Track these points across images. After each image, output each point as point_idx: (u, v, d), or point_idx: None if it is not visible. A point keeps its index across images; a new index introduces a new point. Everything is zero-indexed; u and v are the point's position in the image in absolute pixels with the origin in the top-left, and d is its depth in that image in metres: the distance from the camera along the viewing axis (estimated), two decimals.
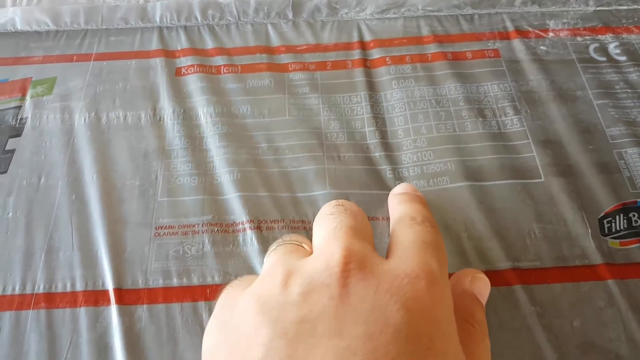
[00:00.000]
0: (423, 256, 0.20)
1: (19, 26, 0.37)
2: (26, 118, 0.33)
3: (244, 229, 0.28)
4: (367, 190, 0.29)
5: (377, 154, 0.30)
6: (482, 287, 0.23)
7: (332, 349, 0.16)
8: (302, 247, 0.22)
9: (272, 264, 0.21)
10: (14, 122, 0.32)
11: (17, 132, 0.32)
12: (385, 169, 0.30)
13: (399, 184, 0.29)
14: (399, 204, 0.25)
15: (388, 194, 0.28)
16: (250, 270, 0.27)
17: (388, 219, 0.28)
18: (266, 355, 0.16)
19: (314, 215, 0.26)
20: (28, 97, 0.34)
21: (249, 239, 0.27)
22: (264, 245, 0.27)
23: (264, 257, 0.24)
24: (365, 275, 0.18)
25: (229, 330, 0.19)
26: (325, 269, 0.18)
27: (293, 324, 0.17)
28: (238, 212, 0.28)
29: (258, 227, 0.28)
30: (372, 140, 0.31)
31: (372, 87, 0.33)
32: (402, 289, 0.18)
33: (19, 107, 0.33)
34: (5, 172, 0.30)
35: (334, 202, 0.23)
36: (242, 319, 0.18)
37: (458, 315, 0.20)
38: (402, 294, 0.17)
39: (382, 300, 0.17)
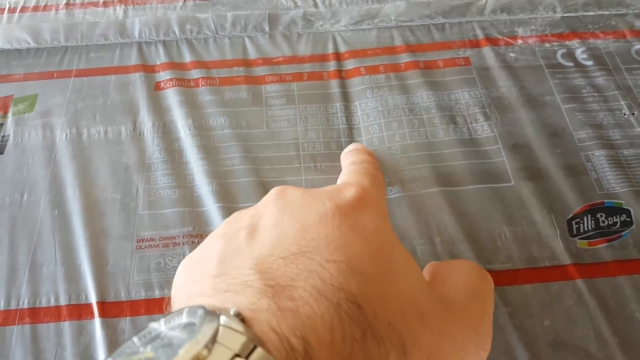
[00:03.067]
0: (355, 177, 0.24)
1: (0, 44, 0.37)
2: (8, 135, 0.33)
3: None
4: None
5: None
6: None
7: (271, 236, 0.18)
8: None
9: None
10: None
11: None
12: None
13: None
14: (347, 158, 0.28)
15: None
16: None
17: None
18: (218, 256, 0.19)
19: None
20: (10, 114, 0.34)
21: None
22: None
23: None
24: (298, 188, 0.22)
25: (193, 257, 0.21)
26: (267, 196, 0.22)
27: (241, 229, 0.19)
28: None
29: None
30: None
31: (347, 98, 0.34)
32: (328, 192, 0.21)
33: (1, 125, 0.34)
34: None
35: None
36: (204, 244, 0.21)
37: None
38: (329, 195, 0.20)
39: (310, 198, 0.20)
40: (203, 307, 0.15)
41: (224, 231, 0.20)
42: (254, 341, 0.14)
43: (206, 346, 0.13)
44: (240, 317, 0.15)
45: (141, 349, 0.15)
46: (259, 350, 0.13)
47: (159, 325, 0.15)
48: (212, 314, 0.14)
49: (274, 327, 0.15)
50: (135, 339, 0.15)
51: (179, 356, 0.13)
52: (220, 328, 0.14)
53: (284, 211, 0.20)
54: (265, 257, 0.17)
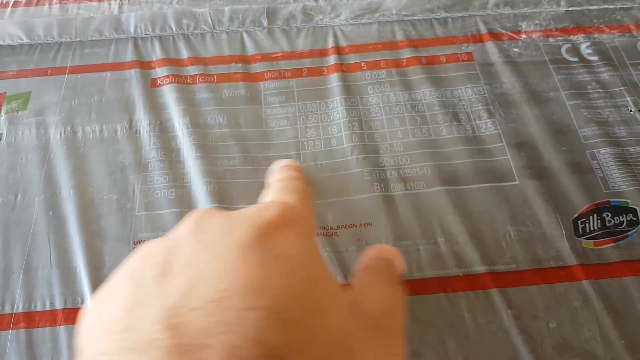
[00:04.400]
0: (281, 194, 0.22)
1: None
2: (1, 134, 0.32)
3: None
4: (344, 197, 0.29)
5: (355, 156, 0.30)
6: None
7: (185, 279, 0.16)
8: None
9: None
10: None
11: None
12: (363, 171, 0.30)
13: (377, 186, 0.29)
14: (273, 175, 0.26)
15: (366, 199, 0.28)
16: None
17: (367, 224, 0.28)
18: (125, 304, 0.16)
19: None
20: (2, 112, 0.33)
21: None
22: None
23: None
24: (218, 215, 0.19)
25: (100, 301, 0.18)
26: (184, 225, 0.19)
27: (152, 268, 0.17)
28: None
29: None
30: (349, 143, 0.31)
31: (348, 91, 0.33)
32: (250, 216, 0.19)
33: None
34: None
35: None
36: (112, 283, 0.18)
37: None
38: (250, 220, 0.18)
39: (230, 227, 0.18)
40: None
41: (133, 269, 0.18)
42: None
43: None
44: None
45: None
46: None
47: None
48: None
49: None
50: None
51: None
52: None
53: (201, 246, 0.17)
54: (178, 308, 0.15)
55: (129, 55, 0.36)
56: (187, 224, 0.19)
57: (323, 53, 0.35)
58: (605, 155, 0.30)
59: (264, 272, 0.16)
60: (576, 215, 0.28)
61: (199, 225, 0.19)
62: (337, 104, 0.33)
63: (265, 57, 0.35)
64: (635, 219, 0.28)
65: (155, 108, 0.33)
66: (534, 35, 0.35)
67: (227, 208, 0.29)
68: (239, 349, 0.14)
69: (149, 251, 0.18)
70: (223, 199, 0.29)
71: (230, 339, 0.14)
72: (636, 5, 0.37)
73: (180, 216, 0.29)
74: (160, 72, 0.34)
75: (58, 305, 0.26)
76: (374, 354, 0.18)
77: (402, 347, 0.20)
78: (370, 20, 0.37)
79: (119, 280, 0.18)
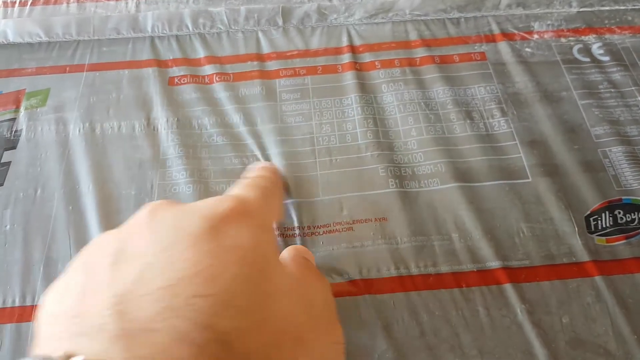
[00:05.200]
0: (239, 189, 0.22)
1: (11, 38, 0.37)
2: (21, 130, 0.33)
3: None
4: (359, 192, 0.29)
5: (369, 153, 0.31)
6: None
7: (135, 267, 0.16)
8: None
9: None
10: (8, 135, 0.33)
11: (12, 145, 0.32)
12: (378, 167, 0.30)
13: (392, 182, 0.29)
14: (244, 175, 0.26)
15: (381, 194, 0.29)
16: None
17: (382, 219, 0.28)
18: (77, 291, 0.17)
19: (308, 222, 0.27)
20: (22, 109, 0.34)
21: None
22: None
23: None
24: (171, 206, 0.20)
25: (57, 288, 0.19)
26: (137, 216, 0.20)
27: (105, 257, 0.17)
28: None
29: None
30: (364, 140, 0.31)
31: (362, 89, 0.34)
32: (202, 208, 0.19)
33: (14, 120, 0.33)
34: (2, 184, 0.31)
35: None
36: (68, 272, 0.19)
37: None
38: (202, 211, 0.19)
39: (181, 218, 0.18)
40: (43, 358, 0.14)
41: (87, 258, 0.18)
42: None
43: None
44: None
45: None
46: None
47: None
48: None
49: None
50: None
51: None
52: None
53: (153, 237, 0.18)
54: (126, 294, 0.16)
55: (146, 54, 0.36)
56: (140, 215, 0.19)
57: (337, 51, 0.36)
58: (616, 153, 0.30)
59: (214, 262, 0.17)
60: (588, 212, 0.28)
61: (151, 216, 0.19)
62: (351, 102, 0.33)
63: (281, 56, 0.36)
64: None
65: (173, 106, 0.33)
66: (545, 36, 0.36)
67: None
68: (186, 333, 0.14)
69: (102, 241, 0.19)
70: None
71: (178, 323, 0.15)
72: None
73: None
74: (177, 71, 0.35)
75: None
76: (320, 342, 0.19)
77: (342, 335, 0.21)
78: (383, 20, 0.37)
79: (74, 270, 0.18)
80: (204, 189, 0.30)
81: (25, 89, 0.35)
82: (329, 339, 0.20)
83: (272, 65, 0.35)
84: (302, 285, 0.21)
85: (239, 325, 0.15)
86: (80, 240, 0.28)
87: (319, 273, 0.23)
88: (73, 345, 0.15)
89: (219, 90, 0.34)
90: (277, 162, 0.31)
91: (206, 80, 0.35)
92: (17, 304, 0.27)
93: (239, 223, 0.19)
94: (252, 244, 0.18)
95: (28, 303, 0.27)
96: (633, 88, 0.33)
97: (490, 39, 0.36)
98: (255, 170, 0.26)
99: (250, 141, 0.32)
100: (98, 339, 0.15)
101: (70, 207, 0.30)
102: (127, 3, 0.39)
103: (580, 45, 0.35)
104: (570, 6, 0.37)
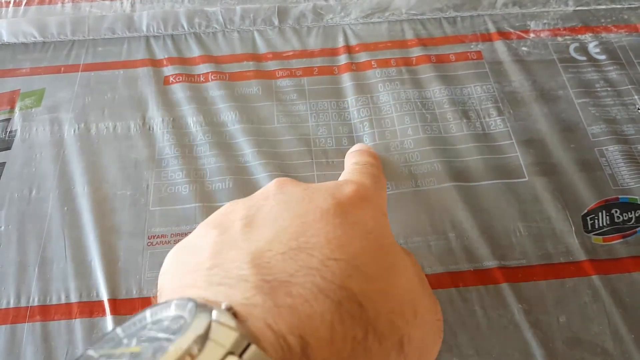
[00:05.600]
0: (356, 176, 0.24)
1: (6, 38, 0.37)
2: (15, 130, 0.33)
3: None
4: None
5: None
6: None
7: (269, 229, 0.18)
8: None
9: None
10: (3, 135, 0.33)
11: (6, 145, 0.32)
12: None
13: (388, 183, 0.29)
14: (350, 158, 0.27)
15: None
16: None
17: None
18: (212, 247, 0.18)
19: None
20: (17, 109, 0.34)
21: None
22: None
23: None
24: (299, 183, 0.21)
25: (184, 246, 0.21)
26: (266, 187, 0.22)
27: (237, 220, 0.19)
28: None
29: None
30: (360, 141, 0.31)
31: (359, 90, 0.34)
32: (329, 188, 0.21)
33: (8, 120, 0.33)
34: None
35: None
36: (196, 233, 0.20)
37: None
38: (330, 191, 0.20)
39: (311, 194, 0.20)
40: (194, 301, 0.14)
41: (219, 221, 0.20)
42: (248, 338, 0.13)
43: (197, 342, 0.13)
44: (233, 312, 0.14)
45: (125, 341, 0.14)
46: (253, 348, 0.13)
47: (145, 317, 0.15)
48: (203, 308, 0.14)
49: (269, 324, 0.14)
50: (119, 330, 0.15)
51: (169, 353, 0.12)
52: (212, 324, 0.13)
53: (283, 206, 0.19)
54: (262, 252, 0.17)
55: (141, 54, 0.36)
56: (269, 187, 0.21)
57: (334, 52, 0.36)
58: (613, 152, 0.30)
59: (343, 233, 0.18)
60: (585, 211, 0.28)
61: (280, 189, 0.21)
62: (347, 104, 0.33)
63: (277, 56, 0.35)
64: None
65: (168, 105, 0.33)
66: (542, 35, 0.36)
67: None
68: (326, 290, 0.16)
69: (232, 208, 0.20)
70: (237, 194, 0.29)
71: (315, 280, 0.16)
72: None
73: (194, 211, 0.29)
74: (172, 70, 0.35)
75: (73, 298, 0.27)
76: (428, 317, 0.20)
77: (441, 312, 0.22)
78: (380, 19, 0.37)
79: (205, 230, 0.20)
80: (199, 189, 0.30)
81: (20, 89, 0.35)
82: (433, 315, 0.20)
83: (269, 65, 0.35)
84: (415, 265, 0.22)
85: (368, 289, 0.16)
86: (76, 240, 0.28)
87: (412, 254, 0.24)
88: (210, 294, 0.16)
89: (214, 89, 0.34)
90: (273, 162, 0.31)
91: (201, 79, 0.34)
92: (11, 305, 0.27)
93: (361, 204, 0.20)
94: (374, 224, 0.19)
95: (23, 304, 0.27)
96: (629, 86, 0.33)
97: (487, 38, 0.36)
98: (359, 154, 0.27)
99: (245, 139, 0.32)
100: (239, 288, 0.15)
101: (66, 208, 0.29)
102: (122, 2, 0.39)
103: (576, 44, 0.35)
104: (567, 5, 0.37)
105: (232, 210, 0.20)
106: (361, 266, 0.17)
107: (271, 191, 0.21)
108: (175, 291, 0.17)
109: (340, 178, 0.25)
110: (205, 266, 0.17)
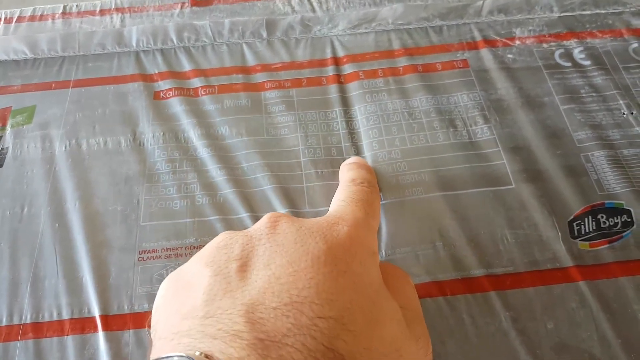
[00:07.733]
0: (350, 207, 0.24)
1: None
2: (7, 148, 0.33)
3: None
4: None
5: None
6: None
7: (262, 278, 0.18)
8: None
9: None
10: None
11: None
12: None
13: None
14: (346, 172, 0.28)
15: None
16: None
17: None
18: (206, 291, 0.18)
19: None
20: (8, 126, 0.34)
21: None
22: None
23: None
24: (292, 221, 0.21)
25: (177, 279, 0.21)
26: (260, 225, 0.22)
27: (232, 261, 0.19)
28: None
29: None
30: (349, 154, 0.32)
31: (346, 103, 0.34)
32: (322, 229, 0.21)
33: (0, 137, 0.33)
34: None
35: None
36: (190, 268, 0.21)
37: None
38: (322, 233, 0.21)
39: (304, 236, 0.20)
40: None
41: (213, 257, 0.20)
42: None
43: None
44: None
45: None
46: None
47: None
48: None
49: None
50: None
51: None
52: None
53: (276, 249, 0.20)
54: (256, 305, 0.17)
55: (132, 69, 0.36)
56: (263, 224, 0.21)
57: (322, 63, 0.36)
58: (599, 157, 0.31)
59: (333, 285, 0.18)
60: (571, 217, 0.29)
61: (273, 229, 0.21)
62: (336, 115, 0.33)
63: (266, 68, 0.36)
64: (629, 220, 0.28)
65: (159, 120, 0.34)
66: (527, 42, 0.36)
67: (230, 219, 0.29)
68: (314, 352, 0.16)
69: (227, 243, 0.21)
70: (227, 208, 0.30)
71: (305, 341, 0.16)
72: (627, 10, 0.37)
73: (185, 226, 0.29)
74: (163, 84, 0.35)
75: (65, 315, 0.27)
76: (414, 355, 0.20)
77: (429, 345, 0.22)
78: (367, 30, 0.37)
79: (199, 267, 0.20)
80: (190, 203, 0.30)
81: (11, 106, 0.35)
82: (423, 357, 0.21)
83: (257, 77, 0.35)
84: (400, 298, 0.22)
85: (352, 349, 0.17)
86: (67, 257, 0.29)
87: (407, 275, 0.25)
88: (205, 346, 0.16)
89: (204, 103, 0.34)
90: (264, 174, 0.31)
91: (192, 92, 0.35)
92: (4, 322, 0.27)
93: (352, 249, 0.20)
94: (363, 272, 0.20)
95: (15, 322, 0.27)
96: (614, 92, 0.33)
97: (473, 46, 0.36)
98: (356, 167, 0.28)
99: (235, 153, 0.32)
100: (234, 345, 0.16)
101: (57, 224, 0.30)
102: (112, 18, 0.39)
103: (561, 50, 0.36)
104: (552, 11, 0.37)
105: (225, 245, 0.21)
106: (348, 324, 0.17)
107: (264, 230, 0.21)
108: (171, 338, 0.18)
109: (335, 200, 0.25)
110: (200, 314, 0.18)
